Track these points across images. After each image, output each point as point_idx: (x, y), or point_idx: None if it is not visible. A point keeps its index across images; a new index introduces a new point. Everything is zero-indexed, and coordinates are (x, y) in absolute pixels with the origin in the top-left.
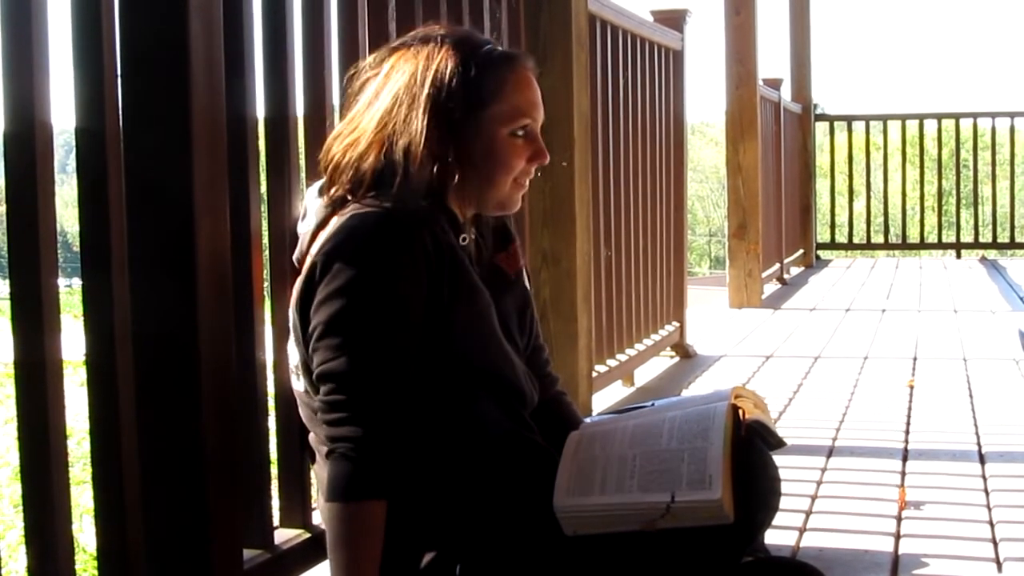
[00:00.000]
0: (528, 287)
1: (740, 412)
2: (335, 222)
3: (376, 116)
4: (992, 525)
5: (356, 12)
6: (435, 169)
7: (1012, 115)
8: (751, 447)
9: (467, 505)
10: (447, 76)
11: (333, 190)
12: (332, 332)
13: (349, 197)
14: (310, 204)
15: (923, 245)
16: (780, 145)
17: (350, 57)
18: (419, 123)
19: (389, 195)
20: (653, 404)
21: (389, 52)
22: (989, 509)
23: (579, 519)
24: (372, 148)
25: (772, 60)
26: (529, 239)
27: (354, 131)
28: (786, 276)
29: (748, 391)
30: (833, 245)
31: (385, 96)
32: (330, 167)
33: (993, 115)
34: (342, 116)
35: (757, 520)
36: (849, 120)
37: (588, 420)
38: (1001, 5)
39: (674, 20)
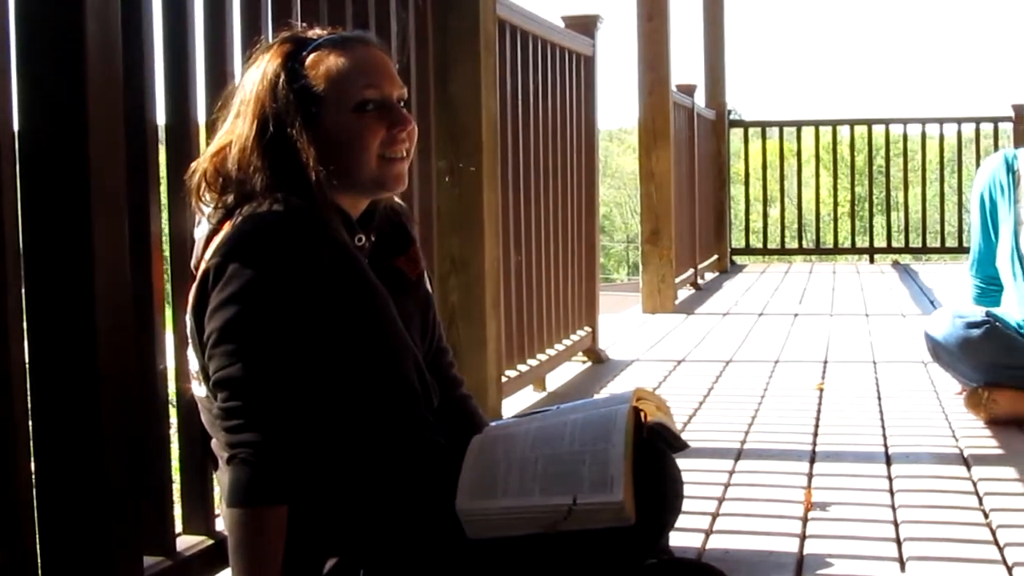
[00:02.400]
0: (430, 290)
1: (642, 414)
2: (227, 227)
3: (243, 129)
4: (896, 525)
5: (259, 17)
6: (311, 170)
7: (923, 121)
8: (653, 449)
9: (369, 508)
10: (282, 79)
11: (223, 199)
12: (226, 339)
13: (240, 204)
14: (204, 209)
15: (837, 250)
16: (694, 151)
17: None
18: (280, 130)
19: (279, 199)
20: (558, 408)
21: (246, 63)
22: (894, 509)
23: (482, 522)
24: (250, 159)
25: (687, 66)
26: (437, 244)
27: (230, 144)
28: (700, 281)
29: (650, 393)
30: (748, 251)
31: (245, 109)
32: (215, 180)
33: (905, 121)
34: (213, 130)
35: (659, 522)
36: (763, 126)
37: (493, 424)
38: (913, 13)
39: (585, 26)
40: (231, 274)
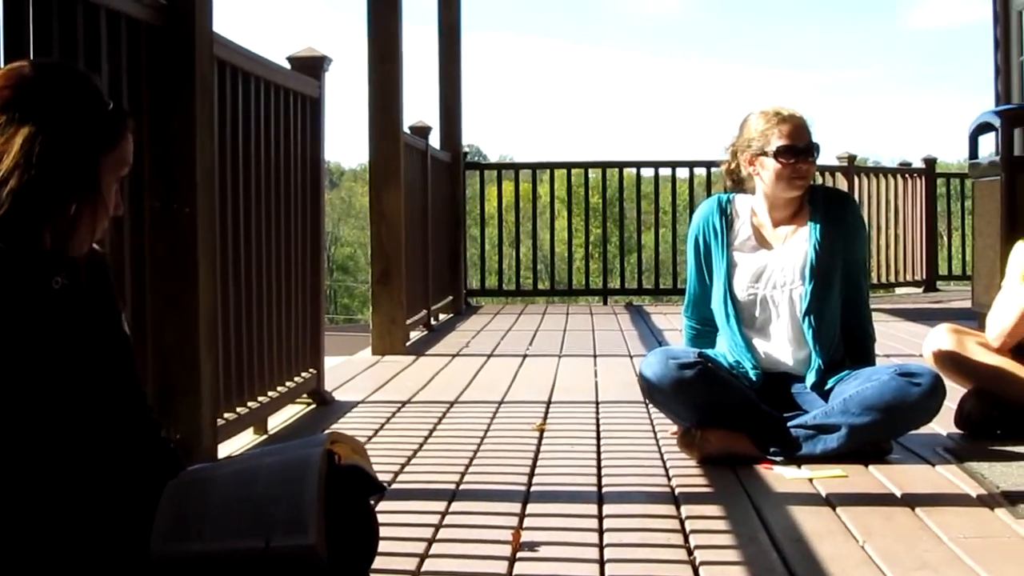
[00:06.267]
0: (127, 333)
1: (336, 457)
2: None
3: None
4: (602, 564)
5: None
6: (65, 206)
7: (656, 165)
8: (346, 492)
9: (60, 556)
10: (72, 113)
11: None
12: None
13: None
14: None
15: (572, 292)
16: (427, 192)
17: None
18: (50, 161)
19: None
20: (261, 451)
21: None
22: (601, 548)
23: (177, 566)
24: None
25: (425, 106)
26: (150, 285)
27: None
28: (433, 322)
29: (346, 436)
30: (484, 292)
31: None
32: None
33: (639, 164)
34: None
35: (354, 564)
36: (499, 168)
37: (190, 468)
38: (646, 65)
39: (312, 67)
40: None
